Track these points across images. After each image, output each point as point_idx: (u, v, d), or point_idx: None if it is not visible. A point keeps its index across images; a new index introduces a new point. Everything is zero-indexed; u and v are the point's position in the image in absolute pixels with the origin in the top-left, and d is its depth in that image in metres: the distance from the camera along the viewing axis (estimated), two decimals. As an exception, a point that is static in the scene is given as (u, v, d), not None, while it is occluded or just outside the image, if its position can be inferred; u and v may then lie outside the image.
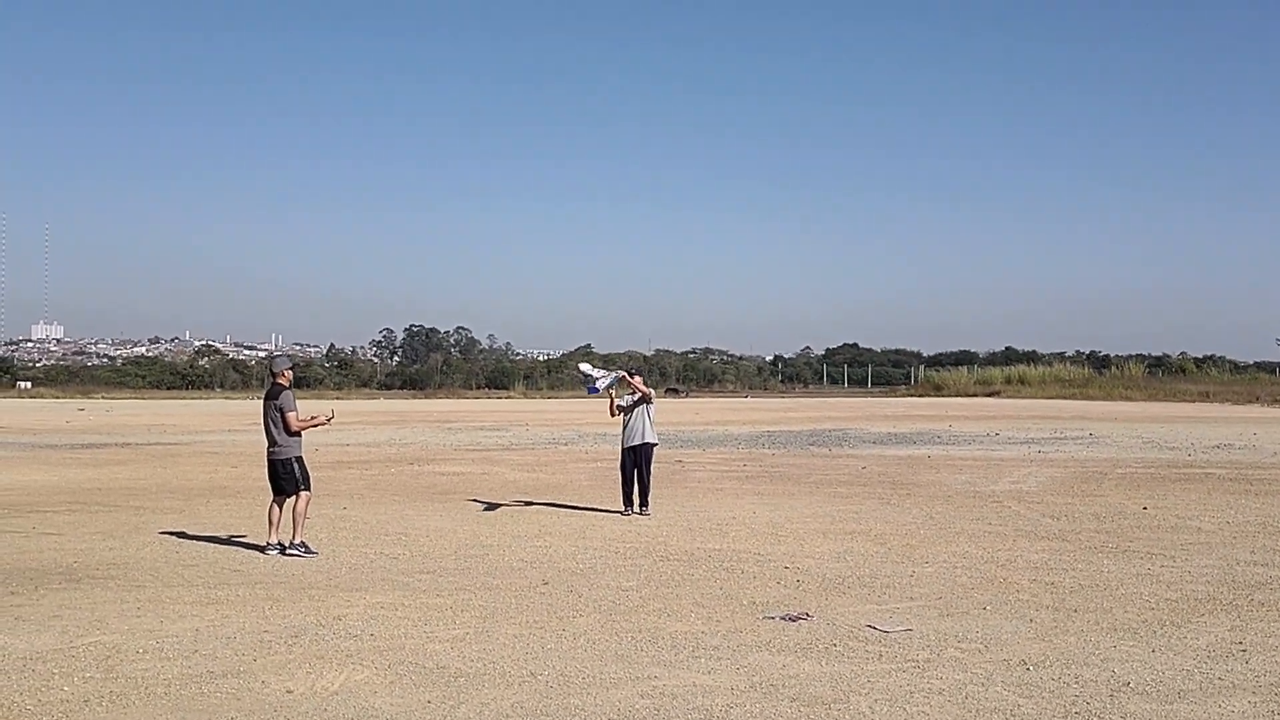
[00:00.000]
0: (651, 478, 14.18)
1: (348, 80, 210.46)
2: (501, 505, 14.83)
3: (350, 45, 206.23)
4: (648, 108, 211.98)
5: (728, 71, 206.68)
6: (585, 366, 15.27)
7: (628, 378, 14.27)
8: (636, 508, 13.90)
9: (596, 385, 14.70)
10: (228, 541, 11.74)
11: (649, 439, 14.07)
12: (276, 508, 11.19)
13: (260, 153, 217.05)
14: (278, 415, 11.07)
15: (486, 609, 8.17)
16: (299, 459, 11.16)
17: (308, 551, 10.78)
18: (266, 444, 11.25)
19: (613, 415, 14.36)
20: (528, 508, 14.60)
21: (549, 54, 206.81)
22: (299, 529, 10.96)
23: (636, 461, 14.02)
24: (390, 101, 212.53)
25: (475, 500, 15.39)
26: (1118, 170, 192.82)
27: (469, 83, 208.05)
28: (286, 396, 11.13)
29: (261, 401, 11.53)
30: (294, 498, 11.06)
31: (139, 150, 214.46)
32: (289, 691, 6.01)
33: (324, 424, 11.59)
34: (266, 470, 11.35)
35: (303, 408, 11.47)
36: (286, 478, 11.09)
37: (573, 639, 7.23)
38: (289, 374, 11.38)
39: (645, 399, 14.16)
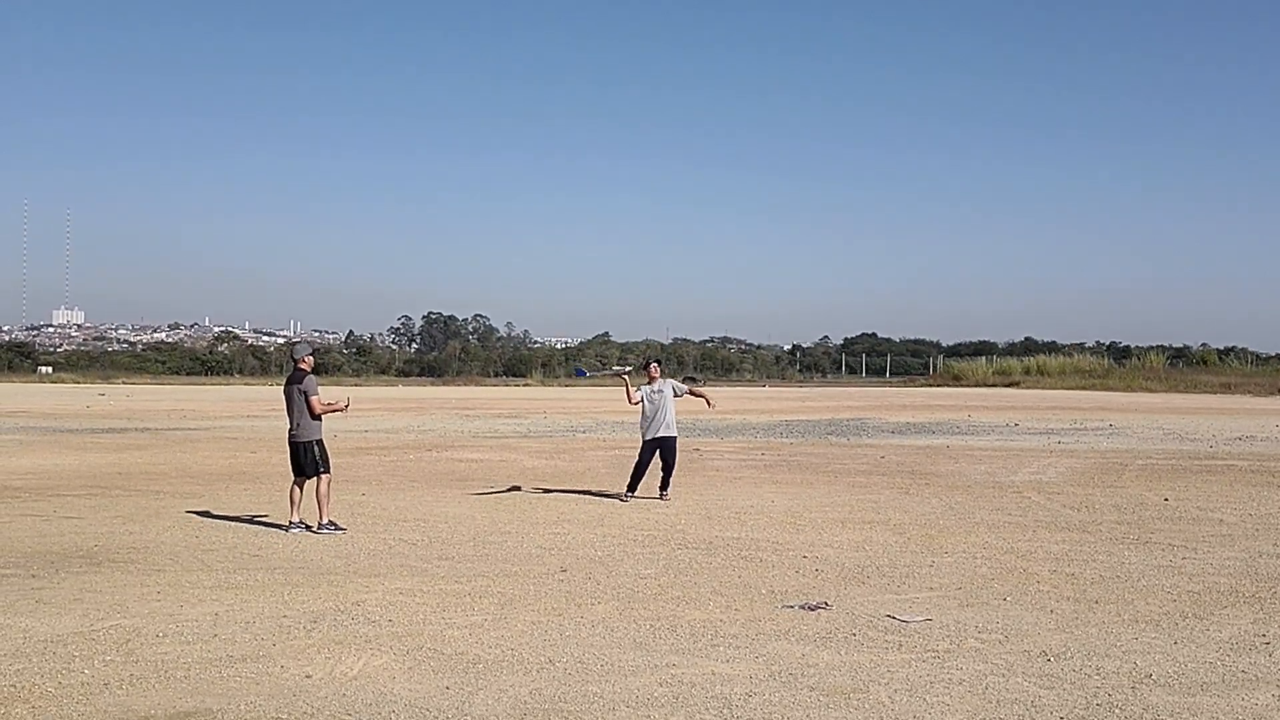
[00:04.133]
0: (675, 465, 14.27)
1: (369, 75, 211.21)
2: (520, 491, 14.84)
3: (368, 41, 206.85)
4: (668, 103, 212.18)
5: (747, 69, 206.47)
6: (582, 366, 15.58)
7: (637, 373, 14.49)
8: (659, 495, 13.98)
9: (584, 370, 14.90)
10: (250, 521, 11.96)
11: (673, 431, 14.22)
12: (297, 489, 11.56)
13: (281, 144, 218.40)
14: (301, 399, 11.46)
15: (505, 595, 8.17)
16: (319, 442, 11.54)
17: (336, 528, 11.21)
18: (289, 426, 11.63)
19: (631, 403, 14.47)
20: (546, 495, 14.58)
21: (569, 52, 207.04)
22: (325, 510, 11.34)
23: (662, 452, 14.13)
24: (412, 95, 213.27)
25: (502, 488, 15.40)
26: (1139, 162, 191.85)
27: (493, 78, 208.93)
28: (310, 381, 11.56)
29: (283, 387, 11.86)
30: (315, 480, 11.42)
31: (160, 140, 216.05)
32: (307, 676, 6.02)
33: (344, 410, 11.91)
34: (289, 452, 11.68)
35: (322, 393, 11.81)
36: (308, 460, 11.45)
37: (591, 626, 7.22)
38: (310, 360, 11.75)
39: (678, 395, 14.37)
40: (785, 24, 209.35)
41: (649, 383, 14.35)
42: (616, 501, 13.94)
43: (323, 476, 11.42)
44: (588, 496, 14.49)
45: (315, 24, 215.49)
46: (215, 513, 12.66)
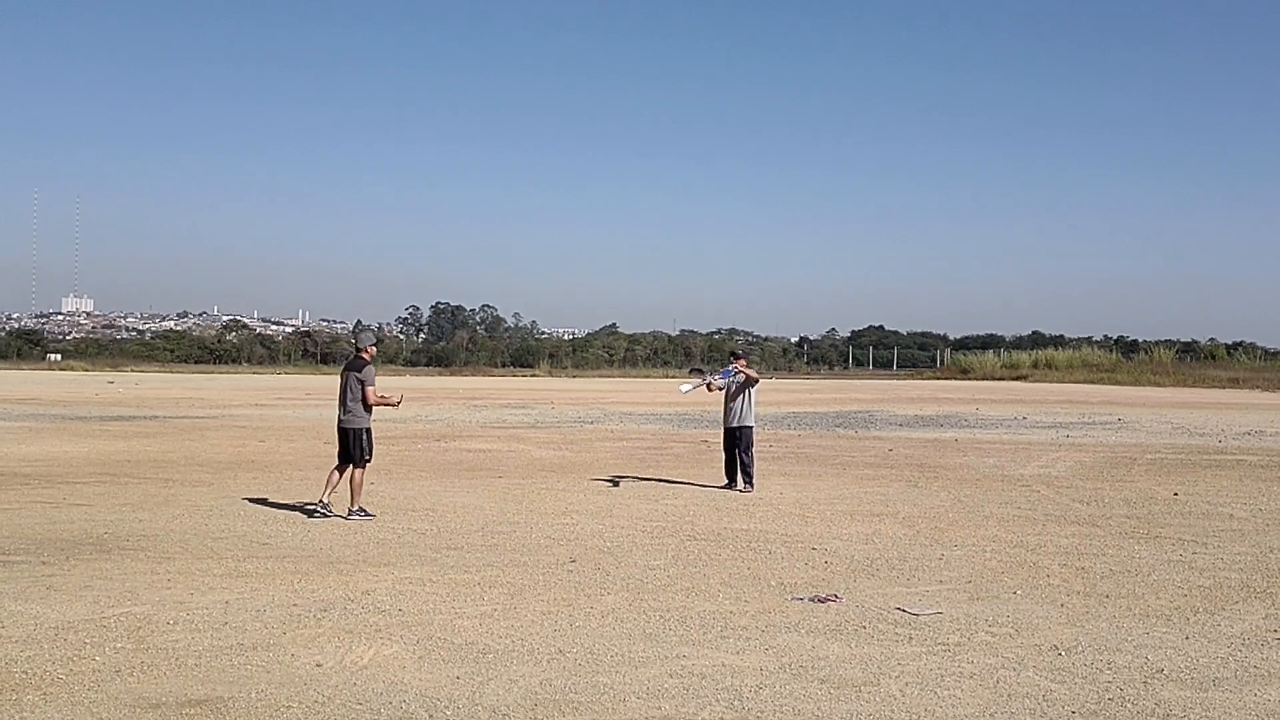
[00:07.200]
0: (753, 457, 14.50)
1: (377, 66, 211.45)
2: (618, 486, 14.84)
3: (375, 34, 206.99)
4: (675, 96, 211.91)
5: (754, 63, 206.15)
6: (685, 387, 15.98)
7: (713, 381, 14.89)
8: (740, 484, 14.24)
9: (702, 383, 15.31)
10: (301, 509, 12.02)
11: (746, 421, 14.47)
12: (337, 473, 11.71)
13: (291, 134, 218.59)
14: (358, 386, 11.60)
15: (514, 586, 8.17)
16: (368, 431, 11.70)
17: (366, 515, 11.37)
18: (339, 412, 11.78)
19: (710, 390, 15.03)
20: (554, 486, 14.58)
21: (575, 45, 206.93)
22: (357, 497, 11.52)
23: (735, 442, 14.39)
24: (421, 86, 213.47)
25: (601, 479, 15.40)
26: (1146, 157, 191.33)
27: (500, 70, 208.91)
28: (369, 370, 11.69)
29: (340, 371, 11.99)
30: (355, 468, 11.58)
31: (170, 129, 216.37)
32: (318, 665, 6.02)
33: (395, 404, 12.28)
34: (337, 437, 11.86)
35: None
36: (354, 447, 11.60)
37: (600, 617, 7.22)
38: (372, 349, 12.00)
39: (750, 382, 14.53)
40: (790, 18, 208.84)
41: (732, 376, 14.69)
42: (623, 492, 13.95)
43: (363, 465, 11.63)
44: (596, 487, 14.46)
45: (323, 16, 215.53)
46: (224, 501, 12.66)
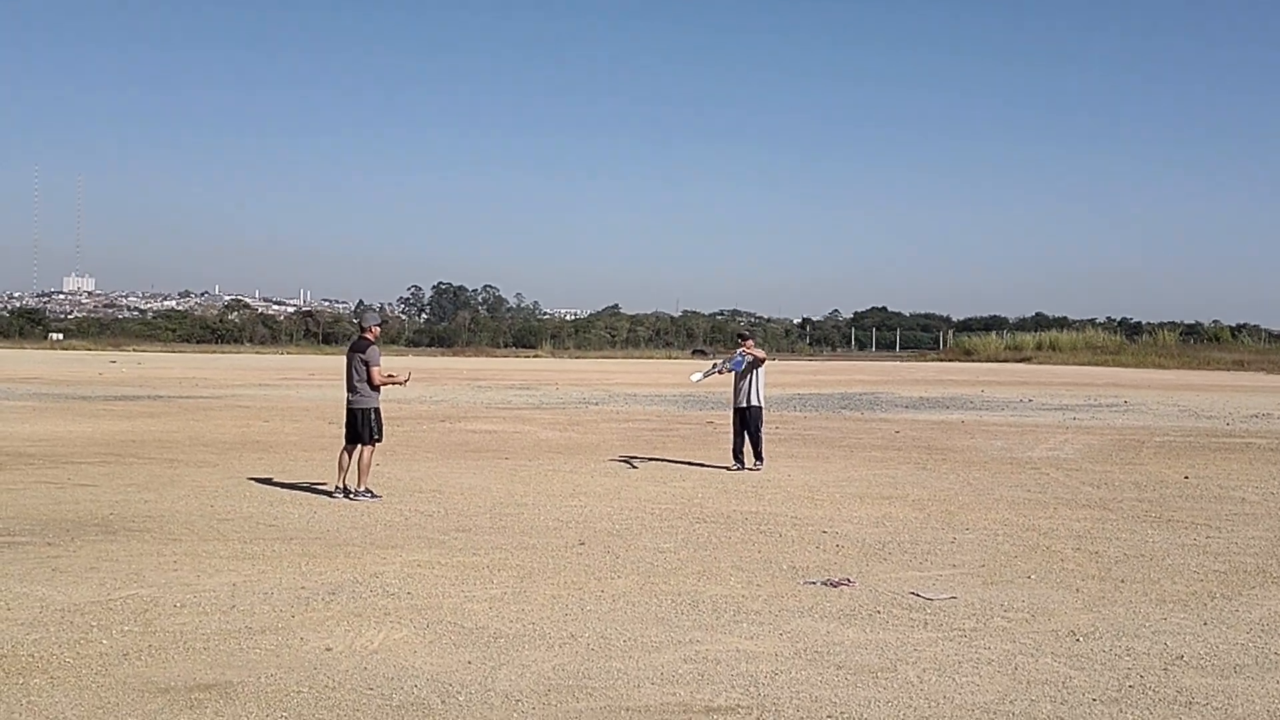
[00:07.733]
0: (763, 435, 14.89)
1: (379, 48, 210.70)
2: (633, 466, 14.77)
3: (375, 17, 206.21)
4: (678, 77, 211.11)
5: (757, 46, 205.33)
6: (696, 376, 16.10)
7: (724, 368, 15.27)
8: (750, 463, 14.49)
9: (714, 370, 15.69)
10: (307, 489, 12.03)
11: (754, 401, 14.74)
12: (346, 455, 11.69)
13: (292, 115, 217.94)
14: (363, 367, 11.60)
15: (524, 569, 8.09)
16: (377, 411, 11.70)
17: (373, 496, 11.37)
18: (347, 393, 11.75)
19: (722, 374, 15.45)
20: (561, 468, 14.52)
21: (577, 25, 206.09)
22: (364, 477, 11.51)
23: (745, 422, 14.66)
24: (423, 68, 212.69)
25: (625, 460, 15.33)
26: (1150, 138, 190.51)
27: (501, 51, 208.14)
28: (373, 351, 11.68)
29: (346, 352, 12.00)
30: (364, 447, 11.56)
31: (172, 109, 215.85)
32: (328, 649, 5.95)
33: (402, 383, 12.27)
34: (345, 418, 11.83)
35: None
36: (364, 427, 11.59)
37: (612, 601, 7.15)
38: (377, 330, 11.92)
39: (758, 362, 14.82)
40: (793, 1, 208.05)
41: (735, 359, 15.01)
42: (631, 474, 13.88)
43: (373, 444, 11.60)
44: (603, 470, 14.39)
45: (327, 6, 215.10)
46: (229, 482, 12.60)
